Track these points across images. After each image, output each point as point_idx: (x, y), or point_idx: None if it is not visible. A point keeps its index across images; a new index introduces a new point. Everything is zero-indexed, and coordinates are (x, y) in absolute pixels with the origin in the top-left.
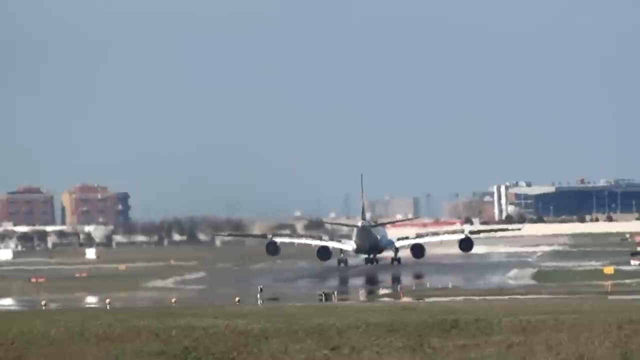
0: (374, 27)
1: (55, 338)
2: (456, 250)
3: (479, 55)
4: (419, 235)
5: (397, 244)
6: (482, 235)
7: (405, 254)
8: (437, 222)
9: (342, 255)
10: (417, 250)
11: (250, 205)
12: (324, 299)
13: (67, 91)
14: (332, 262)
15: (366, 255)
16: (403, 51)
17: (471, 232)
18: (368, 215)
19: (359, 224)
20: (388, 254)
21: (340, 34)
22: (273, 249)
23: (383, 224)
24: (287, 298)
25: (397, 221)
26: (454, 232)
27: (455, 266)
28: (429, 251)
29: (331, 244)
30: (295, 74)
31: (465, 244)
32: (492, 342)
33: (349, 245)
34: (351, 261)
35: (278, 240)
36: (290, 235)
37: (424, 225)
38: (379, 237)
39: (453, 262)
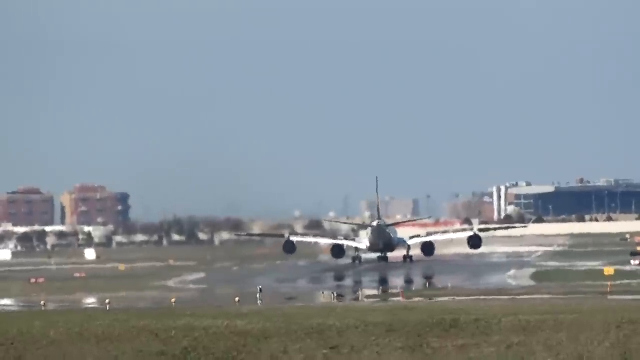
0: (373, 30)
1: (54, 338)
2: (462, 249)
3: (477, 57)
4: (429, 234)
5: (410, 242)
6: (489, 233)
7: (415, 252)
8: (437, 223)
9: (356, 253)
10: (428, 248)
11: (250, 205)
12: (322, 297)
13: (66, 91)
14: (331, 260)
15: (379, 254)
16: (402, 53)
17: (480, 230)
18: (367, 214)
19: (375, 223)
20: (399, 252)
21: (339, 36)
22: (290, 247)
23: (395, 224)
24: (304, 298)
25: (404, 222)
26: (463, 230)
27: (458, 265)
28: (437, 250)
29: (346, 243)
30: (295, 75)
31: (474, 242)
32: (491, 342)
33: (363, 244)
34: (364, 259)
35: (295, 239)
36: (306, 235)
37: (425, 225)
38: (392, 237)
39: (457, 261)
